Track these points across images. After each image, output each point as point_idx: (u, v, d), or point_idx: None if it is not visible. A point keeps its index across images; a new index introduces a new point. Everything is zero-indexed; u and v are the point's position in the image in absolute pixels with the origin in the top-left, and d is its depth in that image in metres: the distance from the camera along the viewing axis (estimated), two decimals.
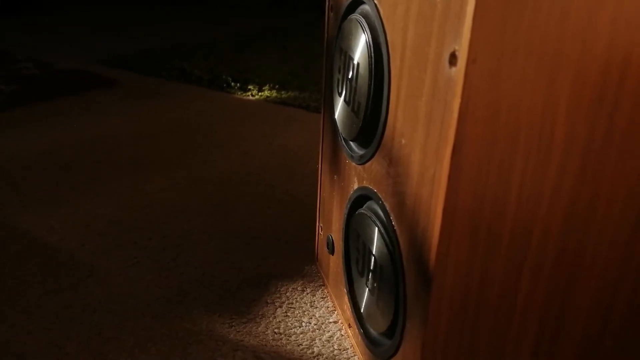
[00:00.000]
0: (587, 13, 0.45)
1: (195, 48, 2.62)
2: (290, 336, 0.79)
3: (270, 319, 0.82)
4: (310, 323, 0.82)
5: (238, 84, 2.01)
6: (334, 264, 0.84)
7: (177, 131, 1.61)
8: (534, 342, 0.60)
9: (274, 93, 1.93)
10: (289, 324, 0.81)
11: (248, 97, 1.92)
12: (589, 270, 0.58)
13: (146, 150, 1.46)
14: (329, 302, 0.86)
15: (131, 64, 2.32)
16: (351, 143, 0.72)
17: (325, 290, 0.89)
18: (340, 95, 0.72)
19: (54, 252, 0.98)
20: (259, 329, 0.80)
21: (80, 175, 1.29)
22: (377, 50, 0.60)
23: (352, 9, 0.68)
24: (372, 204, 0.66)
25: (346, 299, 0.78)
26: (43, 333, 0.79)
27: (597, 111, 0.49)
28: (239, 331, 0.80)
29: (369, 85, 0.61)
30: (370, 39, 0.61)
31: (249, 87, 1.99)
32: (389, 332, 0.65)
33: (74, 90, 1.98)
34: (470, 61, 0.43)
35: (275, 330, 0.80)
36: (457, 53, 0.44)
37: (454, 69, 0.45)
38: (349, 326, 0.78)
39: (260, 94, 1.93)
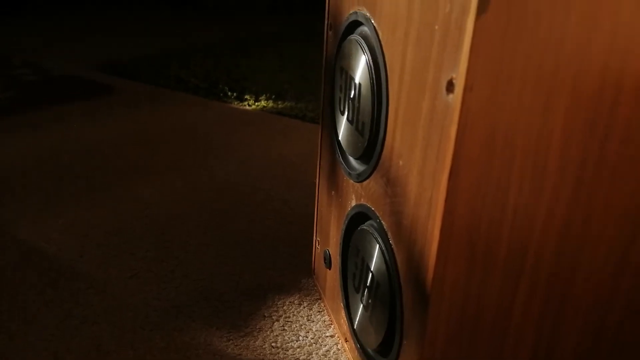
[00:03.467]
0: (581, 41, 0.46)
1: (191, 54, 2.63)
2: (288, 350, 0.80)
3: (268, 332, 0.83)
4: (307, 337, 0.82)
5: (235, 94, 2.02)
6: (331, 278, 0.85)
7: (174, 140, 1.62)
8: (529, 357, 0.61)
9: (271, 103, 1.94)
10: (286, 337, 0.82)
11: (245, 107, 1.93)
12: (582, 288, 0.59)
13: (144, 158, 1.46)
14: (326, 316, 0.87)
15: (128, 71, 2.32)
16: (350, 161, 0.73)
17: (322, 304, 0.90)
18: (342, 113, 0.73)
19: (53, 262, 0.99)
20: (257, 342, 0.81)
21: (78, 183, 1.30)
22: (377, 72, 0.61)
23: (351, 29, 0.70)
24: (371, 222, 0.67)
25: (343, 313, 0.79)
26: (43, 345, 0.79)
27: (591, 135, 0.51)
28: (236, 345, 0.80)
29: (372, 106, 0.61)
30: (371, 61, 0.62)
31: (246, 96, 2.00)
32: (383, 349, 0.66)
33: (71, 98, 1.98)
34: (467, 89, 0.44)
35: (273, 344, 0.81)
36: (454, 81, 0.45)
37: (451, 95, 0.46)
38: (346, 340, 0.79)
39: (257, 103, 1.94)
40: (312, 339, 0.82)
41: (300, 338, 0.82)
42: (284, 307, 0.89)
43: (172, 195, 1.26)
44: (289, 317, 0.87)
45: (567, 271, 0.57)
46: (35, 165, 1.40)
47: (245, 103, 1.96)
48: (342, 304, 0.79)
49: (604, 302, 0.61)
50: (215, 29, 3.55)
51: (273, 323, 0.85)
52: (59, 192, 1.26)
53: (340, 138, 0.75)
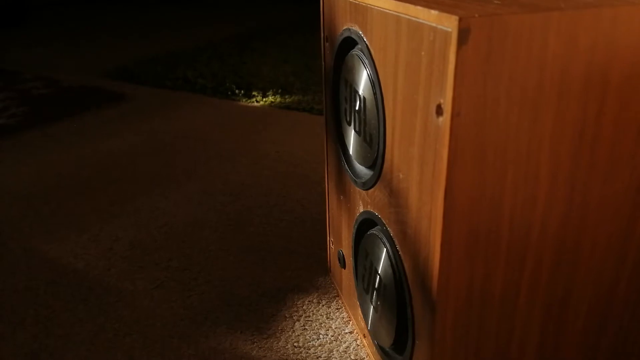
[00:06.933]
0: (562, 58, 0.49)
1: (196, 53, 2.66)
2: (309, 349, 0.84)
3: (290, 333, 0.88)
4: (327, 335, 0.87)
5: (242, 91, 2.05)
6: (346, 277, 0.89)
7: (186, 144, 1.66)
8: (534, 354, 0.65)
9: (278, 98, 1.97)
10: (307, 337, 0.87)
11: (253, 104, 1.96)
12: (581, 289, 0.62)
13: (159, 165, 1.51)
14: (344, 313, 0.91)
15: (136, 75, 2.36)
16: (356, 169, 0.76)
17: (340, 301, 0.94)
18: (349, 124, 0.76)
19: (82, 278, 1.04)
20: (280, 343, 0.86)
21: (98, 196, 1.35)
22: (379, 88, 0.63)
23: (347, 44, 0.72)
24: (379, 227, 0.71)
25: (359, 310, 0.83)
26: None
27: (579, 144, 0.53)
28: (260, 347, 0.85)
29: (379, 120, 0.64)
30: (373, 76, 0.64)
31: (253, 93, 2.03)
32: (397, 347, 0.70)
33: (83, 108, 2.03)
34: (455, 114, 0.47)
35: (295, 344, 0.85)
36: (442, 105, 0.48)
37: (440, 118, 0.49)
38: (364, 336, 0.84)
39: (264, 99, 1.97)
40: (332, 336, 0.87)
41: (321, 336, 0.87)
42: (304, 307, 0.93)
43: (189, 202, 1.31)
44: (309, 316, 0.91)
45: (567, 271, 0.61)
46: (56, 182, 1.45)
47: (253, 99, 1.99)
48: (358, 302, 0.83)
49: (602, 307, 0.64)
50: (218, 25, 3.56)
51: (294, 323, 0.90)
52: (80, 207, 1.31)
53: (349, 148, 0.78)
